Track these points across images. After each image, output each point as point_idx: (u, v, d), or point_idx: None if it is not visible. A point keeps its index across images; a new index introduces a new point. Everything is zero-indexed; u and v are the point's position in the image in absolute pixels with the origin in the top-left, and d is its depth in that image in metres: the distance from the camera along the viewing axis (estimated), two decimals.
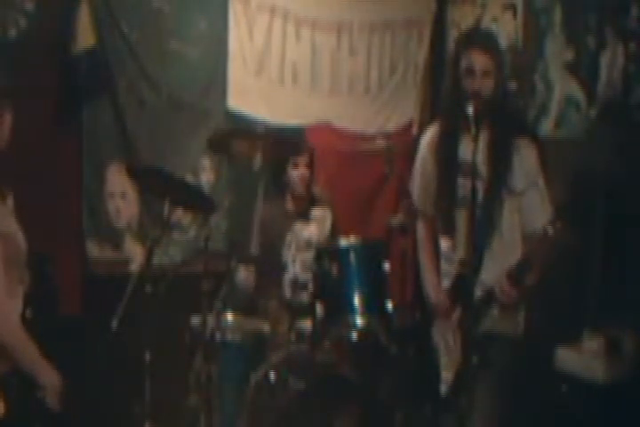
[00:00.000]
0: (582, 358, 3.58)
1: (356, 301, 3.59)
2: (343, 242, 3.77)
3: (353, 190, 5.19)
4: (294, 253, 4.15)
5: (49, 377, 2.41)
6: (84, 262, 4.64)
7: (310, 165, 4.23)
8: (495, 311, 2.92)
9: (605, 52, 4.01)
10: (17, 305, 2.48)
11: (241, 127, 4.60)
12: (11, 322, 2.38)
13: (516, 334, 3.07)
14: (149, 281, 3.70)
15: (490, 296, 2.88)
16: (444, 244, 3.11)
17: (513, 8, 4.71)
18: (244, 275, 4.06)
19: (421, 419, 4.10)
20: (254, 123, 4.82)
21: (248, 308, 4.05)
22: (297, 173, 4.19)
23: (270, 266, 4.17)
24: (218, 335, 3.74)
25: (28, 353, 2.40)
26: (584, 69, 4.16)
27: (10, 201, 3.21)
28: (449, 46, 5.23)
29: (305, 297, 3.94)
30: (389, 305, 3.63)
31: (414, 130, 5.34)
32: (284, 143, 4.23)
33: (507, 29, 4.71)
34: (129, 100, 4.69)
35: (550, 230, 2.73)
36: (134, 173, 4.12)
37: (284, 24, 5.03)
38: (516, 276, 2.83)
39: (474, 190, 2.82)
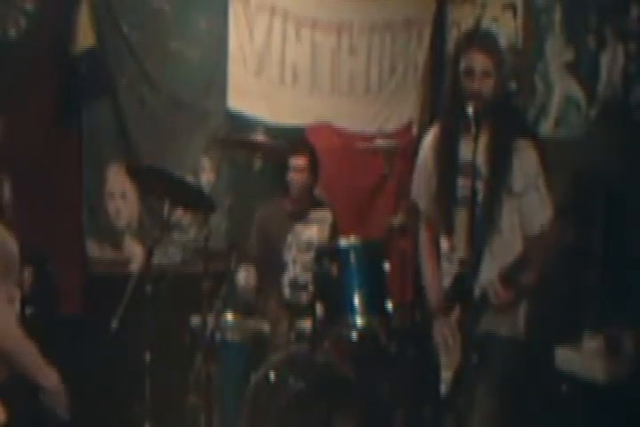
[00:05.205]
0: (582, 358, 3.57)
1: (356, 301, 3.59)
2: (343, 242, 3.77)
3: (353, 190, 5.19)
4: (295, 255, 4.14)
5: (50, 379, 2.41)
6: (84, 262, 4.64)
7: (311, 169, 4.22)
8: (492, 311, 2.92)
9: (605, 52, 4.01)
10: (15, 308, 2.49)
11: (241, 134, 4.56)
12: (10, 326, 2.39)
13: (515, 333, 3.07)
14: (149, 281, 3.70)
15: (484, 298, 2.87)
16: (444, 244, 3.11)
17: (513, 8, 4.71)
18: (243, 275, 4.06)
19: (421, 419, 4.10)
20: (254, 123, 4.82)
21: (248, 308, 4.05)
22: (294, 178, 4.18)
23: (270, 266, 4.18)
24: (218, 335, 3.74)
25: (29, 355, 2.40)
26: (584, 69, 4.15)
27: (7, 189, 3.23)
28: (449, 46, 5.23)
29: (304, 297, 3.94)
30: (389, 305, 3.63)
31: (414, 130, 5.34)
32: (285, 146, 4.25)
33: (507, 29, 4.71)
34: (129, 100, 4.69)
35: (548, 229, 2.73)
36: (134, 173, 4.12)
37: (283, 24, 5.03)
38: (508, 277, 2.82)
39: (474, 190, 2.83)
